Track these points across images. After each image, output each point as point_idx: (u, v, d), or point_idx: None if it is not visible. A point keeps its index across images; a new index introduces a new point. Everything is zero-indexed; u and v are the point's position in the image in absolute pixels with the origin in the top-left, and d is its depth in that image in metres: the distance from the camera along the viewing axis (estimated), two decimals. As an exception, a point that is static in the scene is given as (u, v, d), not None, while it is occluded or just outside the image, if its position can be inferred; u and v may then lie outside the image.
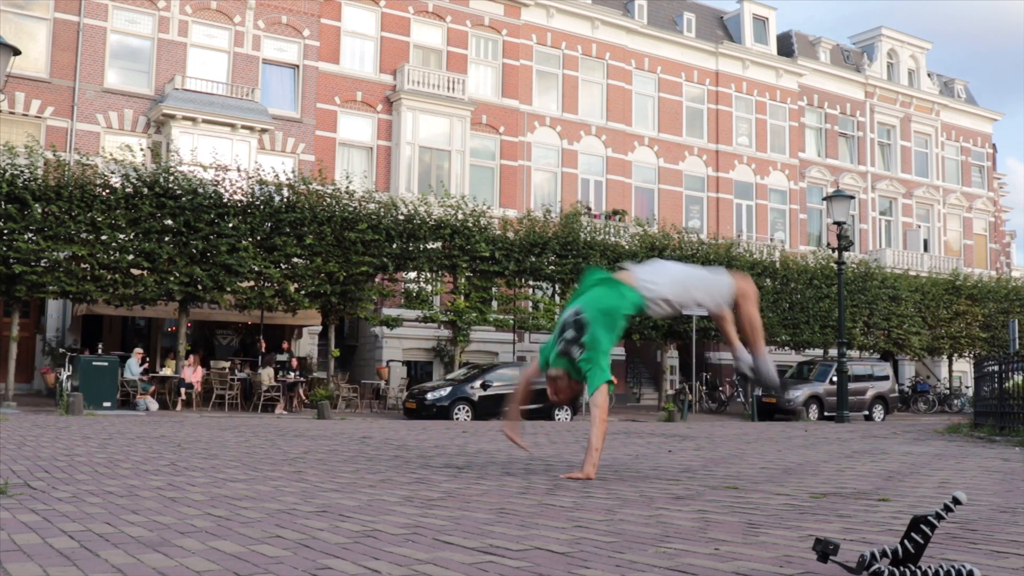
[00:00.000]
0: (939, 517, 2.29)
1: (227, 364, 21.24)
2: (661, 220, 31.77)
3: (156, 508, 3.51)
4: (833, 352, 26.71)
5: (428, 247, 22.42)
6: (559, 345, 5.06)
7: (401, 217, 22.21)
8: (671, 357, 30.66)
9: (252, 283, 20.47)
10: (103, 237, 18.84)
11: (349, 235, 21.05)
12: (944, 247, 42.56)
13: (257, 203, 20.54)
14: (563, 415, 20.28)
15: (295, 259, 20.83)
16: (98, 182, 18.99)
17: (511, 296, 24.15)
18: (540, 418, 19.21)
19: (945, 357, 33.00)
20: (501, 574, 2.36)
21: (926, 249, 41.25)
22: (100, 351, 20.53)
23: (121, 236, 19.07)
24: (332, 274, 20.93)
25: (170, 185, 19.56)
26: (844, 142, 40.05)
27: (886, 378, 25.48)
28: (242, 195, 20.58)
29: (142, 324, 25.55)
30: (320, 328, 24.00)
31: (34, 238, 18.03)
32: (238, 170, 21.22)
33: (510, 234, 23.78)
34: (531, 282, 24.50)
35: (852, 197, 22.95)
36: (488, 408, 19.52)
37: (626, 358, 31.36)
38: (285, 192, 21.04)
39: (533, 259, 23.62)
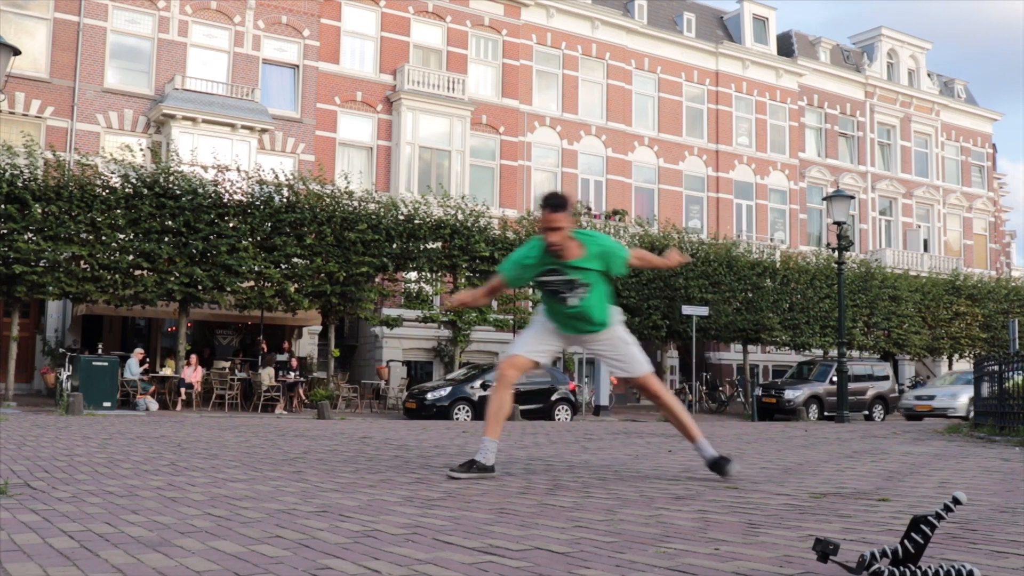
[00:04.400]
0: (939, 517, 2.29)
1: (227, 364, 21.25)
2: (661, 220, 31.77)
3: (156, 508, 3.50)
4: (833, 352, 26.70)
5: (428, 247, 22.42)
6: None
7: (401, 217, 22.21)
8: (671, 357, 30.66)
9: (252, 283, 20.48)
10: (103, 237, 18.84)
11: (349, 235, 21.05)
12: (944, 247, 42.55)
13: (257, 203, 20.54)
14: (563, 415, 20.29)
15: (295, 259, 20.84)
16: (98, 182, 19.00)
17: (511, 296, 24.15)
18: (540, 418, 19.22)
19: (945, 357, 33.00)
20: (501, 574, 2.36)
21: (926, 249, 41.24)
22: (100, 351, 20.54)
23: (121, 236, 19.07)
24: (332, 274, 20.93)
25: (170, 185, 19.57)
26: (844, 142, 40.04)
27: (886, 378, 25.46)
28: (242, 195, 20.59)
29: (142, 324, 25.55)
30: (320, 328, 24.00)
31: (34, 238, 18.03)
32: (238, 170, 21.22)
33: (510, 234, 23.78)
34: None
35: (852, 197, 22.93)
36: (488, 408, 19.48)
37: (626, 358, 31.32)
38: (285, 192, 21.04)
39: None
